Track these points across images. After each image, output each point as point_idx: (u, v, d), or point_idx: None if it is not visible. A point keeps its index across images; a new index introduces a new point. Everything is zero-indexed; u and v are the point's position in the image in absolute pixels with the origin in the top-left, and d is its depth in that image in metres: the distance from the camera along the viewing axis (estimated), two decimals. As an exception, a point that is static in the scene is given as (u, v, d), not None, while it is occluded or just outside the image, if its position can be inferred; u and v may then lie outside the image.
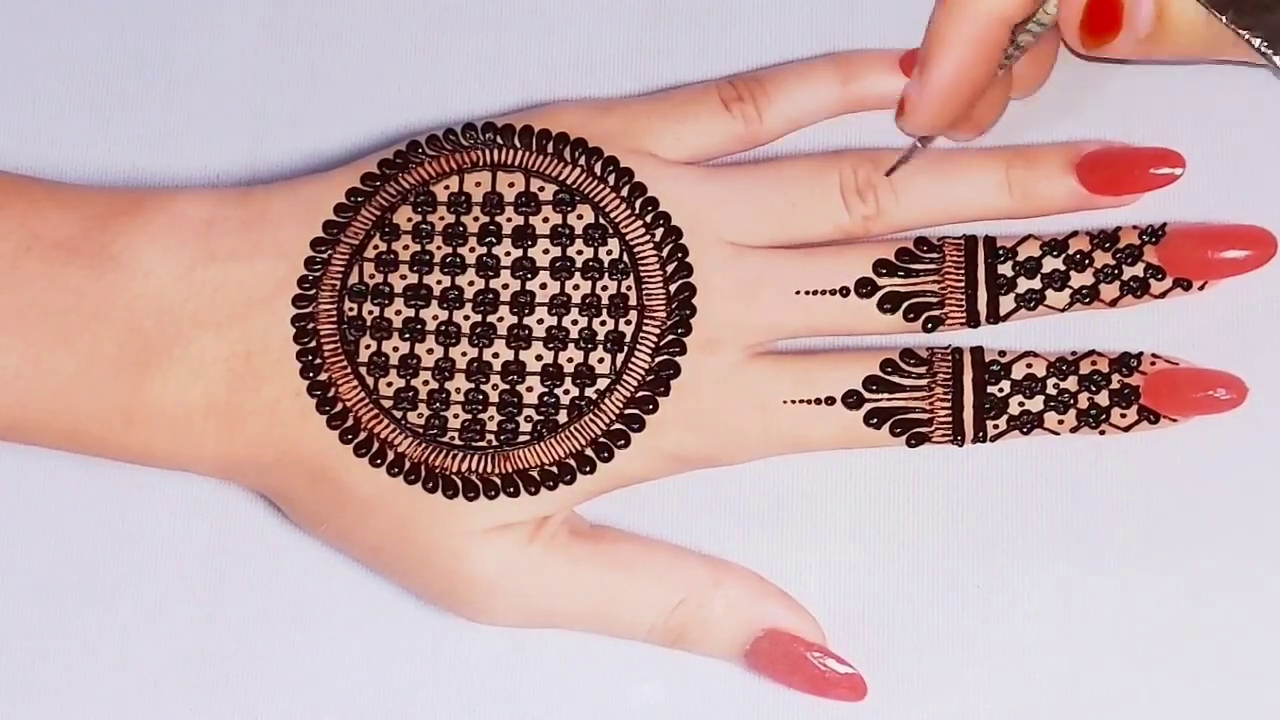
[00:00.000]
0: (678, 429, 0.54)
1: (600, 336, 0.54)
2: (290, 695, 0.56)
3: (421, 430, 0.54)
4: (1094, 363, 0.55)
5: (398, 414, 0.54)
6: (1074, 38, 0.51)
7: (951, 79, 0.51)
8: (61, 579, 0.56)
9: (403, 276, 0.54)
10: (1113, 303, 0.55)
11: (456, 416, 0.54)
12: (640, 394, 0.54)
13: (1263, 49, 0.49)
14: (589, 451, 0.54)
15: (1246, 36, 0.49)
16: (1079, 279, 0.55)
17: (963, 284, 0.55)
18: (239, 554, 0.56)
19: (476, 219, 0.55)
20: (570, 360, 0.54)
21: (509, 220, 0.54)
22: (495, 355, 0.54)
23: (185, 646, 0.56)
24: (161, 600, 0.56)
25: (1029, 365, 0.55)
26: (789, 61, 0.57)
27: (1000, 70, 0.52)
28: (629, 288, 0.54)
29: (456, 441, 0.54)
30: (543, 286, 0.54)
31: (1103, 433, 0.55)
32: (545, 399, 0.54)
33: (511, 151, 0.55)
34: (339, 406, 0.54)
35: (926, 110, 0.52)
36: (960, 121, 0.53)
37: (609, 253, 0.54)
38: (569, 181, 0.55)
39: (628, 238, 0.54)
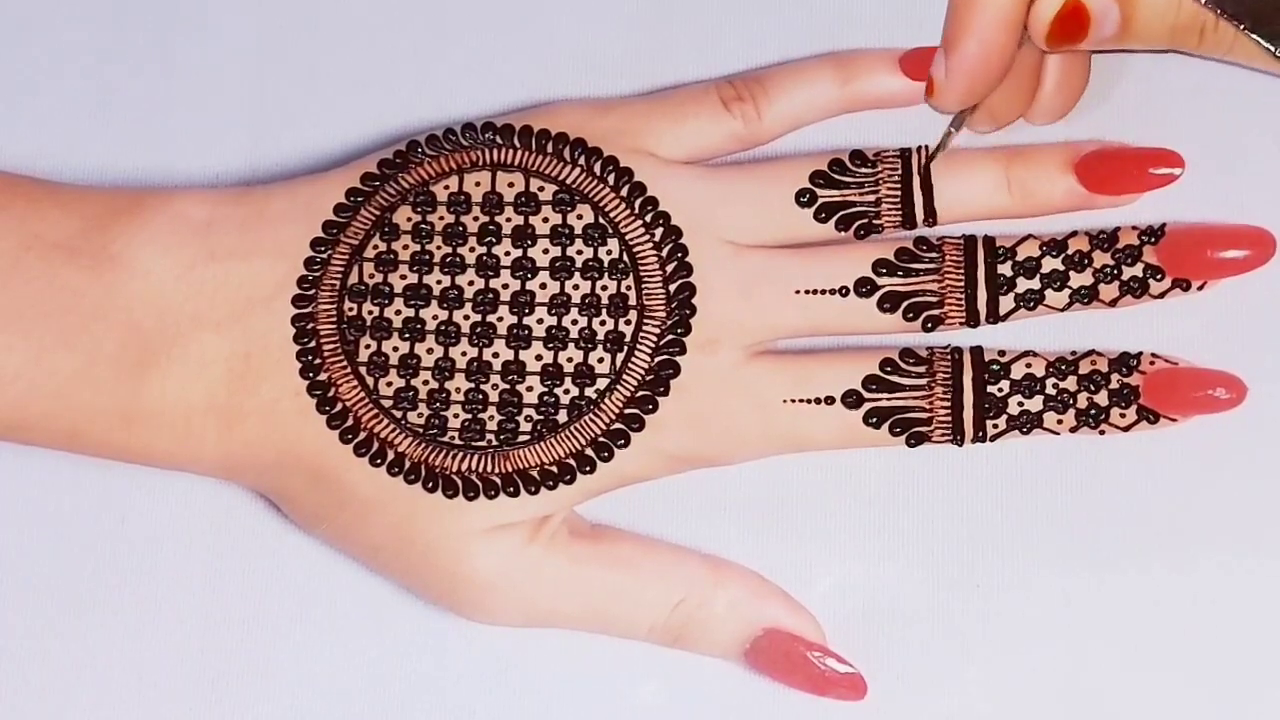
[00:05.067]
0: (677, 429, 0.54)
1: (600, 336, 0.54)
2: (290, 695, 0.56)
3: (421, 430, 0.54)
4: (1093, 363, 0.55)
5: (398, 414, 0.54)
6: (1041, 42, 0.52)
7: (977, 54, 0.51)
8: (61, 579, 0.56)
9: (402, 276, 0.54)
10: (1112, 303, 0.55)
11: (456, 416, 0.54)
12: (640, 394, 0.54)
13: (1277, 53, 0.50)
14: (589, 451, 0.54)
15: (1263, 44, 0.50)
16: (1078, 279, 0.55)
17: (962, 284, 0.55)
18: (239, 554, 0.56)
19: (476, 219, 0.55)
20: (570, 360, 0.54)
21: (509, 220, 0.54)
22: (495, 355, 0.54)
23: (185, 646, 0.56)
24: (161, 600, 0.56)
25: (1028, 365, 0.55)
26: (788, 61, 0.57)
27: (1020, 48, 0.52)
28: (629, 287, 0.54)
29: (456, 441, 0.54)
30: (542, 286, 0.54)
31: (1102, 433, 0.55)
32: (545, 399, 0.54)
33: (511, 151, 0.55)
34: (339, 406, 0.54)
35: (955, 87, 0.52)
36: (984, 109, 0.53)
37: (609, 252, 0.54)
38: (569, 181, 0.55)
39: (627, 237, 0.54)
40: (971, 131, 0.55)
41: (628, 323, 0.54)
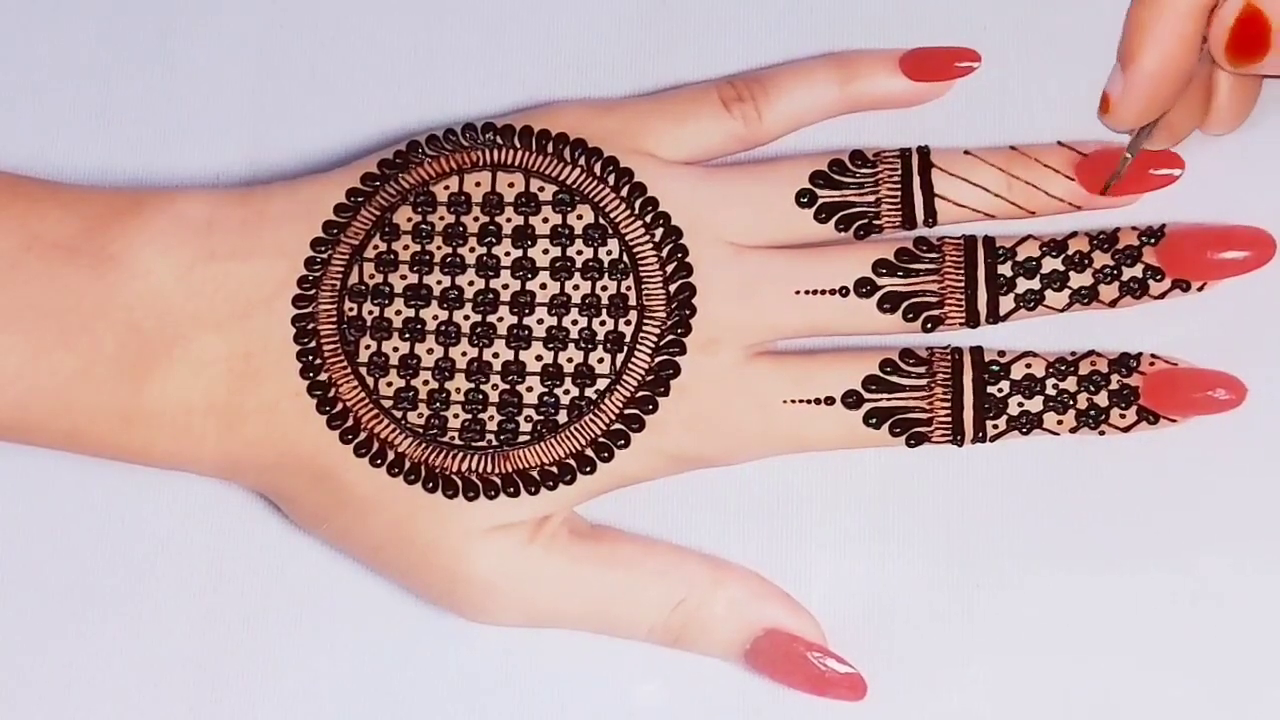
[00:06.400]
0: (677, 429, 0.54)
1: (600, 336, 0.54)
2: (290, 695, 0.56)
3: (421, 430, 0.54)
4: (1093, 363, 0.55)
5: (398, 414, 0.54)
6: (1222, 57, 0.51)
7: (1157, 69, 0.51)
8: (61, 579, 0.56)
9: (403, 276, 0.54)
10: (1112, 303, 0.55)
11: (456, 416, 0.54)
12: (640, 394, 0.54)
13: None
14: (589, 451, 0.54)
15: None
16: (1078, 279, 0.55)
17: (962, 284, 0.55)
18: (239, 554, 0.56)
19: (476, 219, 0.55)
20: (570, 360, 0.54)
21: (509, 220, 0.54)
22: (495, 355, 0.54)
23: (185, 646, 0.56)
24: (162, 600, 0.56)
25: (1028, 365, 0.55)
26: (789, 61, 0.57)
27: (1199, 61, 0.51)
28: (629, 288, 0.54)
29: (456, 441, 0.54)
30: (542, 286, 0.54)
31: (1102, 433, 0.55)
32: (545, 399, 0.54)
33: (511, 151, 0.55)
34: (339, 406, 0.54)
35: (1133, 103, 0.51)
36: (1163, 124, 0.52)
37: (609, 253, 0.54)
38: (569, 182, 0.55)
39: (627, 238, 0.54)
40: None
41: (628, 323, 0.54)
